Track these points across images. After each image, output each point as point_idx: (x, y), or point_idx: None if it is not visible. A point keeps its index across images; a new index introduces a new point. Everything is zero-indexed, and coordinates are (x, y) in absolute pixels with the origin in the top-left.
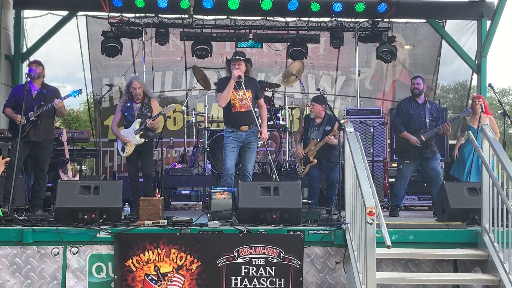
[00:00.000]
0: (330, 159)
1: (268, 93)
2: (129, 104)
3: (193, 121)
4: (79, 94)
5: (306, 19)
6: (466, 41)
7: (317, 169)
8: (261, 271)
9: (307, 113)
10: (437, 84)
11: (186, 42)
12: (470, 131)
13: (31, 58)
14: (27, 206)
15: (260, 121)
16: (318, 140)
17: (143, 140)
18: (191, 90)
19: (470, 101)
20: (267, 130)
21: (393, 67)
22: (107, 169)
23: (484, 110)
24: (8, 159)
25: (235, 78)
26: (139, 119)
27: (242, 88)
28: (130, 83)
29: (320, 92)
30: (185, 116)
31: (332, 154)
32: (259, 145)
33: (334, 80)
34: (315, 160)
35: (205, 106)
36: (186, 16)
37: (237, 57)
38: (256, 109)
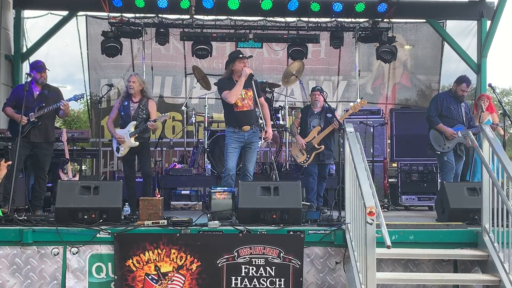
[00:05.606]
0: (330, 147)
1: (268, 94)
2: (126, 103)
3: (193, 121)
4: (81, 99)
5: (306, 19)
6: (468, 44)
7: (315, 164)
8: (261, 271)
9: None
10: (440, 85)
11: (187, 47)
12: (469, 131)
13: (31, 59)
14: (27, 206)
15: (263, 121)
16: (322, 126)
17: (137, 143)
18: (191, 98)
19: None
20: None
21: (394, 69)
22: (106, 173)
23: (483, 110)
24: (10, 162)
25: (246, 75)
26: (134, 122)
27: (246, 87)
28: (128, 78)
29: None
30: (185, 117)
31: (332, 141)
32: (261, 145)
33: (335, 85)
34: (323, 146)
35: (205, 106)
36: (186, 16)
37: (244, 55)
38: (257, 109)
